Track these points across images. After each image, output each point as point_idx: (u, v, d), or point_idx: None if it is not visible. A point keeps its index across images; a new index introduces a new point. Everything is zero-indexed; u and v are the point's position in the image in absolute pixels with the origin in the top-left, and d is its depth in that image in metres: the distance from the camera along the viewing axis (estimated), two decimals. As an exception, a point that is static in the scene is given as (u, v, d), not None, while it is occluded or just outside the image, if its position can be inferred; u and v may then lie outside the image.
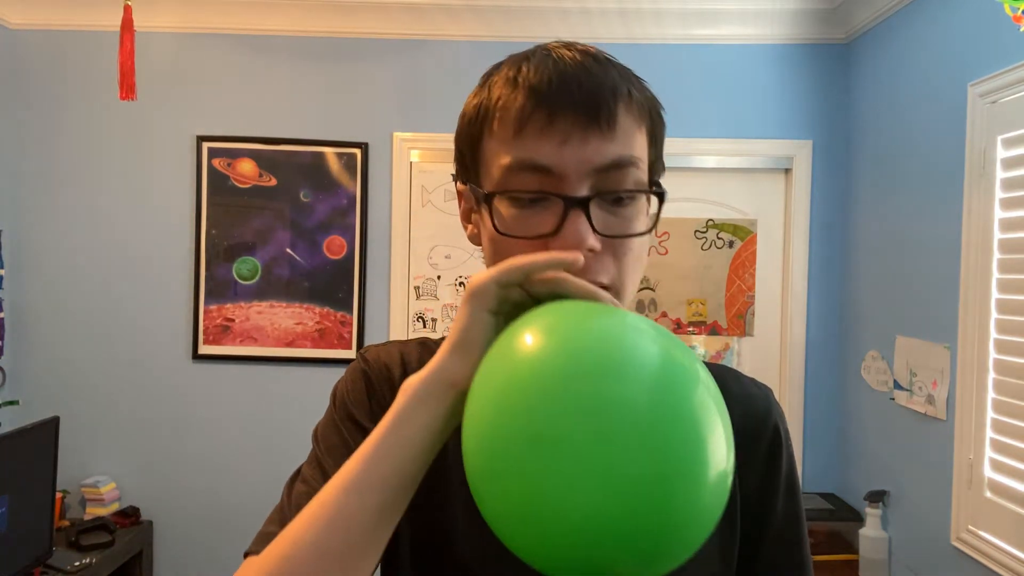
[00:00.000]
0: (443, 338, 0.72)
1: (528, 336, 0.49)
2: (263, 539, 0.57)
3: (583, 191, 0.57)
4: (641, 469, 0.43)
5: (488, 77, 0.63)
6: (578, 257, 0.52)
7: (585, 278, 0.56)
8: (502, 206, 0.60)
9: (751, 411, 0.71)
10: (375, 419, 0.60)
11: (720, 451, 0.46)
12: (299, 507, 0.55)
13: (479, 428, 0.48)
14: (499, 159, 0.59)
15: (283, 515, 0.61)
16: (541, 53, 0.60)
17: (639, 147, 0.60)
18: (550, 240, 0.57)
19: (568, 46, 0.61)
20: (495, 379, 0.49)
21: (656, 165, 0.64)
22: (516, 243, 0.58)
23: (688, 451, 0.44)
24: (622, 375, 0.46)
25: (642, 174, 0.60)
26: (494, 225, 0.60)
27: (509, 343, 0.50)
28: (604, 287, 0.58)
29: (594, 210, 0.57)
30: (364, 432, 0.62)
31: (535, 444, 0.44)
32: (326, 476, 0.59)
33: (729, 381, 0.72)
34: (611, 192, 0.58)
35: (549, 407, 0.45)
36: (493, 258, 0.61)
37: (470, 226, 0.67)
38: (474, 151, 0.63)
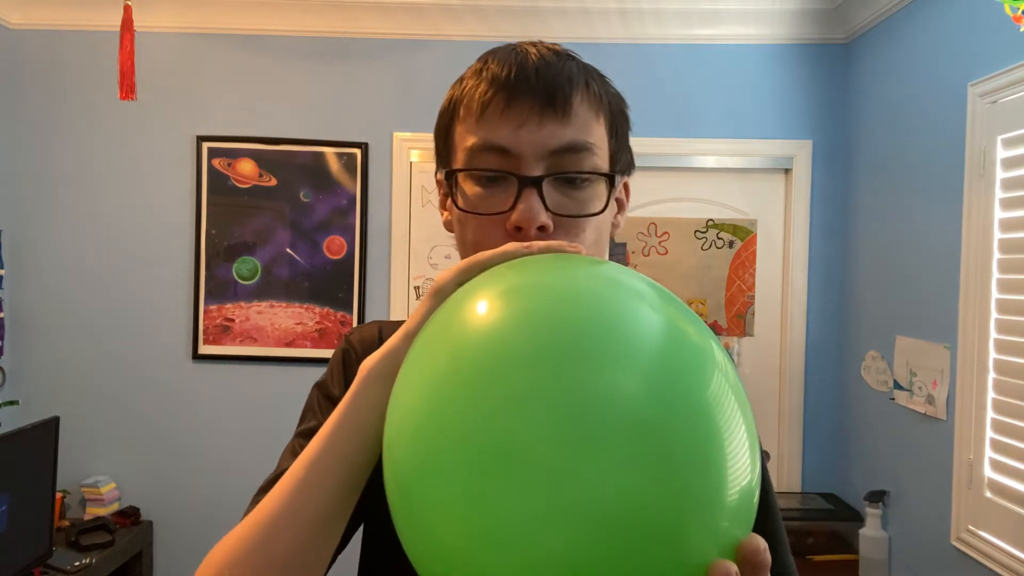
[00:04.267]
0: None
1: (470, 303, 0.38)
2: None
3: (538, 171, 0.60)
4: (633, 496, 0.30)
5: (462, 75, 0.67)
6: (531, 245, 0.52)
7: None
8: (466, 185, 0.63)
9: None
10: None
11: (743, 464, 0.33)
12: (274, 483, 0.59)
13: (402, 434, 0.35)
14: (464, 142, 0.63)
15: (259, 494, 0.64)
16: (507, 49, 0.65)
17: (596, 135, 0.63)
18: (506, 216, 0.60)
19: (535, 44, 0.65)
20: (425, 366, 0.36)
21: (619, 157, 0.67)
22: (478, 220, 0.62)
23: (701, 468, 0.31)
24: (603, 356, 0.32)
25: (599, 160, 0.63)
26: (455, 203, 0.64)
27: (446, 315, 0.39)
28: None
29: (548, 190, 0.61)
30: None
31: (478, 460, 0.31)
32: (295, 455, 0.61)
33: None
34: (564, 173, 0.61)
35: (497, 407, 0.31)
36: (460, 236, 0.65)
37: (446, 213, 0.70)
38: (446, 140, 0.67)
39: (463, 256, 0.64)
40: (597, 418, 0.30)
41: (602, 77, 0.67)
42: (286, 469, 0.61)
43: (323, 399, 0.71)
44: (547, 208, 0.60)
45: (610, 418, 0.30)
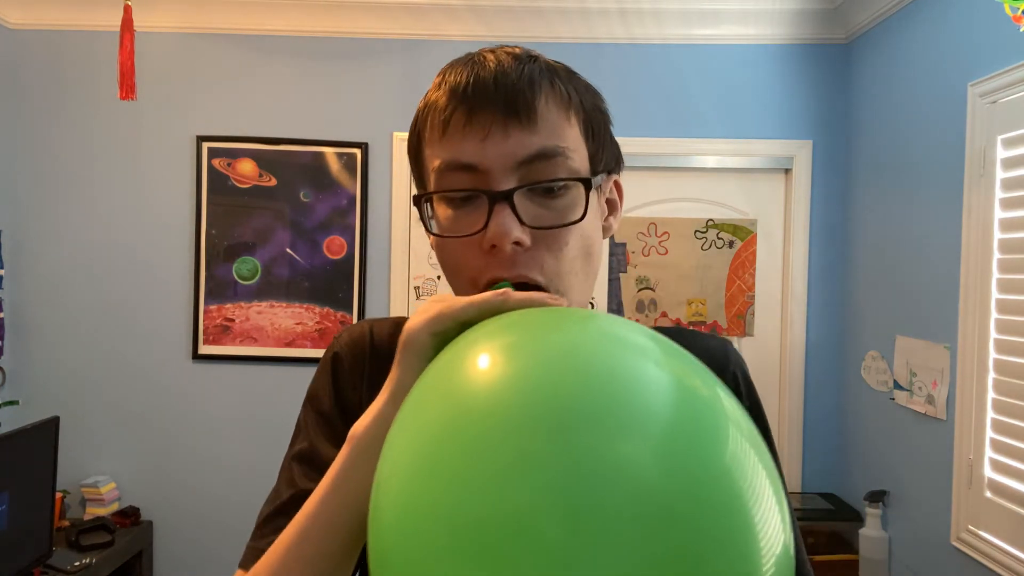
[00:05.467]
0: None
1: (454, 367, 0.36)
2: (251, 554, 0.61)
3: (508, 184, 0.57)
4: None
5: (426, 92, 0.65)
6: (507, 294, 0.49)
7: (514, 274, 0.57)
8: (440, 208, 0.60)
9: (709, 364, 0.73)
10: (340, 402, 0.66)
11: (774, 528, 0.30)
12: (270, 523, 0.61)
13: (389, 510, 0.33)
14: (432, 163, 0.60)
15: (262, 527, 0.63)
16: (465, 59, 0.61)
17: (568, 137, 0.59)
18: (482, 236, 0.57)
19: (496, 49, 0.61)
20: (410, 437, 0.34)
21: (600, 156, 0.63)
22: (455, 243, 0.59)
23: (724, 545, 0.28)
24: (607, 420, 0.29)
25: (574, 163, 0.59)
26: (428, 229, 0.61)
27: (435, 378, 0.37)
28: (537, 286, 0.57)
29: (522, 202, 0.57)
30: (329, 424, 0.66)
31: (470, 543, 0.28)
32: (292, 484, 0.63)
33: (686, 338, 0.71)
34: (537, 183, 0.57)
35: (487, 482, 0.29)
36: (441, 260, 0.63)
37: (431, 237, 0.67)
38: (417, 162, 0.64)
39: (450, 281, 0.63)
40: (603, 495, 0.27)
41: (570, 73, 0.63)
42: (286, 499, 0.63)
43: (314, 415, 0.69)
44: (522, 222, 0.56)
45: (617, 495, 0.27)
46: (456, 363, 0.36)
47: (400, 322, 0.74)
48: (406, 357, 0.52)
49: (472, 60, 0.60)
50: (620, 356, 0.33)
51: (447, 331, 0.50)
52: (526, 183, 0.57)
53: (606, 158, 0.64)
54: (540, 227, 0.57)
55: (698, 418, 0.31)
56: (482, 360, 0.34)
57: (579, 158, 0.60)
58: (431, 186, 0.61)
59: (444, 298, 0.53)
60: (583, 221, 0.59)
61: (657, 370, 0.33)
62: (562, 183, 0.58)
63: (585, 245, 0.60)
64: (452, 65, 0.62)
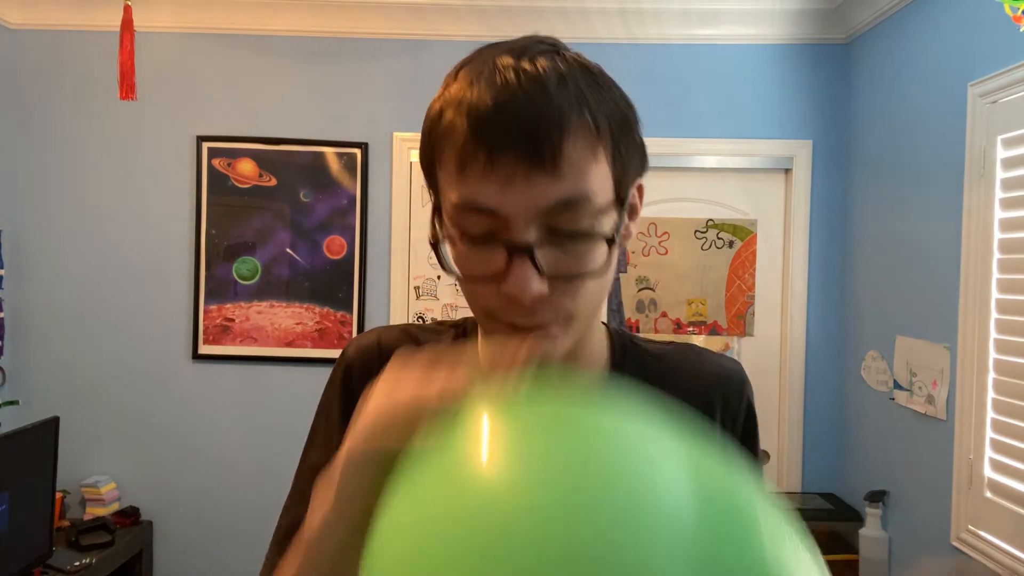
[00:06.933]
0: (432, 324, 0.75)
1: (428, 497, 0.33)
2: (267, 568, 0.65)
3: (530, 234, 0.54)
4: None
5: (448, 79, 0.60)
6: (461, 396, 0.48)
7: (533, 323, 0.57)
8: (455, 238, 0.58)
9: (732, 387, 0.74)
10: (350, 414, 0.65)
11: None
12: (287, 538, 0.63)
13: None
14: (448, 194, 0.57)
15: (276, 547, 0.67)
16: (485, 63, 0.55)
17: (595, 178, 0.55)
18: (499, 277, 0.55)
19: (521, 59, 0.54)
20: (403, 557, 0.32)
21: (625, 179, 0.60)
22: (473, 278, 0.58)
23: None
24: (636, 547, 0.26)
25: (599, 203, 0.56)
26: (442, 262, 0.58)
27: (396, 518, 0.34)
28: (546, 326, 0.57)
29: (542, 250, 0.55)
30: (341, 436, 0.66)
31: None
32: (304, 501, 0.63)
33: (705, 362, 0.74)
34: (559, 233, 0.55)
35: None
36: (459, 282, 0.61)
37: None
38: (430, 175, 0.61)
39: (468, 304, 0.62)
40: None
41: (600, 88, 0.57)
42: (300, 513, 0.63)
43: (325, 427, 0.71)
44: (541, 272, 0.54)
45: None
46: (415, 500, 0.33)
47: (409, 329, 0.74)
48: (348, 478, 0.52)
49: (493, 72, 0.54)
50: (635, 470, 0.29)
51: (395, 448, 0.48)
52: (547, 232, 0.55)
53: (632, 169, 0.61)
54: (560, 276, 0.56)
55: (730, 539, 0.27)
56: (446, 493, 0.32)
57: (604, 194, 0.56)
58: (446, 217, 0.58)
59: (396, 390, 0.52)
60: (602, 270, 0.58)
61: (675, 478, 0.29)
62: (582, 233, 0.56)
63: (603, 281, 0.59)
64: (469, 71, 0.56)
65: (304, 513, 0.64)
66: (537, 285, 0.54)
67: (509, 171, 0.53)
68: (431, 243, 0.60)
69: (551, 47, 0.57)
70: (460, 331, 0.74)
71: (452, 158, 0.55)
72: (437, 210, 0.60)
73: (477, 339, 0.72)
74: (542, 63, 0.54)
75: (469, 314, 0.69)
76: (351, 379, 0.70)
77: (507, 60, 0.55)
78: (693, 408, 0.72)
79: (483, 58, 0.57)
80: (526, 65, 0.54)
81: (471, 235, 0.56)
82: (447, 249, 0.59)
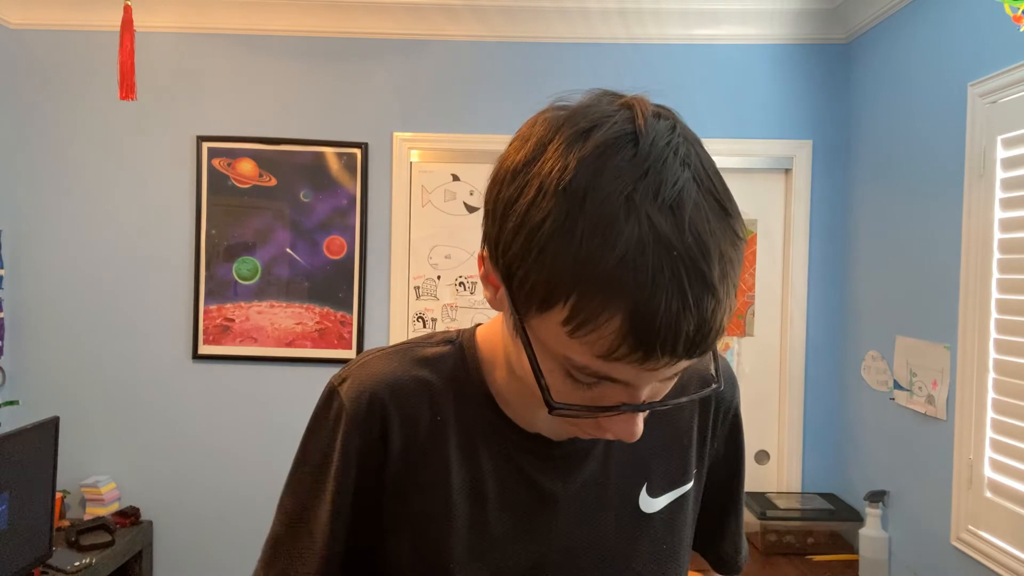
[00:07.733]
0: (423, 342, 0.72)
1: None
2: None
3: (648, 395, 0.54)
4: None
5: (544, 153, 0.52)
6: None
7: (590, 438, 0.61)
8: (556, 371, 0.53)
9: (725, 394, 0.79)
10: (366, 478, 0.67)
11: None
12: (278, 559, 0.67)
13: None
14: (561, 343, 0.50)
15: (264, 570, 0.68)
16: (643, 230, 0.47)
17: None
18: (601, 415, 0.54)
19: (664, 202, 0.49)
20: None
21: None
22: (555, 385, 0.54)
23: None
24: None
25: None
26: (542, 388, 0.53)
27: None
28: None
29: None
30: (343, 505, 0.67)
31: None
32: (294, 560, 0.65)
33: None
34: (674, 396, 0.59)
35: None
36: (519, 363, 0.57)
37: (488, 292, 0.60)
38: (510, 272, 0.52)
39: (518, 377, 0.61)
40: None
41: (731, 230, 0.55)
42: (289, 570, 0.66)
43: (318, 479, 0.69)
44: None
45: None
46: None
47: (411, 352, 0.70)
48: None
49: (645, 247, 0.47)
50: None
51: None
52: (662, 389, 0.56)
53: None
54: (654, 406, 0.55)
55: None
56: None
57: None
58: (546, 347, 0.52)
59: None
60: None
61: None
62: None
63: None
64: (612, 218, 0.48)
65: (295, 573, 0.65)
66: (641, 427, 0.55)
67: (658, 364, 0.49)
68: (513, 324, 0.55)
69: (677, 153, 0.53)
70: (458, 354, 0.70)
71: (591, 338, 0.48)
72: (513, 318, 0.54)
73: (476, 359, 0.70)
74: (697, 221, 0.50)
75: (463, 324, 0.69)
76: (349, 449, 0.66)
77: (661, 223, 0.48)
78: (681, 412, 0.74)
79: (611, 182, 0.49)
80: (689, 240, 0.49)
81: (582, 382, 0.52)
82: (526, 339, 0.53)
